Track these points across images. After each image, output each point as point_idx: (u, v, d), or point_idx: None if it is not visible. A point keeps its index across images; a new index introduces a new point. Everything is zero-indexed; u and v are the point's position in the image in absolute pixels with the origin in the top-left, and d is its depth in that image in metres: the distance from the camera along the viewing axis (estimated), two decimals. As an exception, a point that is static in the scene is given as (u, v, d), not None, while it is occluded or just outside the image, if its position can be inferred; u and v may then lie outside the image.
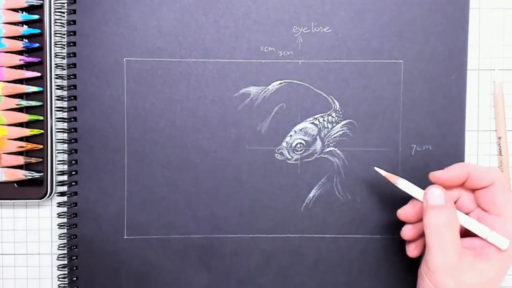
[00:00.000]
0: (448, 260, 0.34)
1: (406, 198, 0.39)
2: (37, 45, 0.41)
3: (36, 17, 0.41)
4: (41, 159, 0.41)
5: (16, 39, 0.41)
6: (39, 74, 0.41)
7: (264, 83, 0.42)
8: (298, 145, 0.42)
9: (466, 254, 0.35)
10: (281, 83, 0.42)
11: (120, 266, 0.42)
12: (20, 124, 0.41)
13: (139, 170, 0.42)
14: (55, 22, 0.42)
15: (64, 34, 0.42)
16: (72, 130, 0.42)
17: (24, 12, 0.41)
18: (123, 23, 0.42)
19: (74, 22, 0.42)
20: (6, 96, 0.41)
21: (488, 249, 0.35)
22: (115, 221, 0.42)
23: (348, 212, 0.43)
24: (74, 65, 0.42)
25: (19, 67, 0.41)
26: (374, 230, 0.43)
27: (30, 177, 0.41)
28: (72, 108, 0.42)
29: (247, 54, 0.42)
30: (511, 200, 0.35)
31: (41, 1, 0.41)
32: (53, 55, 0.42)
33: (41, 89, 0.41)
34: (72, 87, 0.42)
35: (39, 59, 0.41)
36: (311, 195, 0.43)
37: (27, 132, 0.41)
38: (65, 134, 0.42)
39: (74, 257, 0.42)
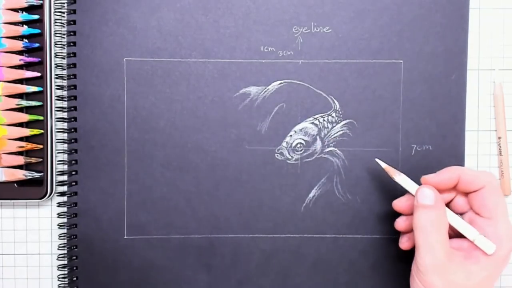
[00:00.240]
0: (436, 260, 0.34)
1: (406, 198, 0.39)
2: (37, 45, 0.41)
3: (36, 17, 0.41)
4: (41, 159, 0.41)
5: (16, 39, 0.41)
6: (39, 74, 0.41)
7: (264, 83, 0.42)
8: (298, 145, 0.42)
9: (456, 254, 0.34)
10: (281, 83, 0.42)
11: (120, 266, 0.42)
12: (20, 124, 0.41)
13: (139, 170, 0.42)
14: (55, 22, 0.42)
15: (64, 34, 0.42)
16: (72, 130, 0.42)
17: (24, 12, 0.41)
18: (123, 23, 0.42)
19: (74, 22, 0.42)
20: (6, 96, 0.41)
21: (477, 252, 0.35)
22: (115, 221, 0.42)
23: (348, 212, 0.43)
24: (74, 65, 0.42)
25: (19, 67, 0.41)
26: (374, 230, 0.43)
27: (30, 177, 0.41)
28: (72, 108, 0.42)
29: (247, 54, 0.42)
30: (501, 204, 0.35)
31: (41, 1, 0.41)
32: (53, 55, 0.42)
33: (41, 89, 0.41)
34: (72, 87, 0.42)
35: (39, 59, 0.41)
36: (311, 195, 0.43)
37: (27, 132, 0.41)
38: (65, 134, 0.42)
39: (74, 257, 0.42)
